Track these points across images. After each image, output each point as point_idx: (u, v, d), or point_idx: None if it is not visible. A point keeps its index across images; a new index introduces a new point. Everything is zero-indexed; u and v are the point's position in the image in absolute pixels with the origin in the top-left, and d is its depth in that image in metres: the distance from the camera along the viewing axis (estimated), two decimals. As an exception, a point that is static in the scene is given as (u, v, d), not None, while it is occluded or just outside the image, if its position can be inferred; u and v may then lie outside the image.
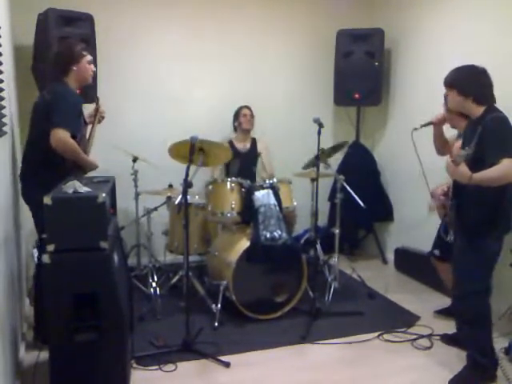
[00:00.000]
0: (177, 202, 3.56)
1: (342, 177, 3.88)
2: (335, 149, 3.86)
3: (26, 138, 2.98)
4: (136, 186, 3.93)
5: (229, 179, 3.67)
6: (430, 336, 3.23)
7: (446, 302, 3.65)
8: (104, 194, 2.26)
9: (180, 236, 3.69)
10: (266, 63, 4.85)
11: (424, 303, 3.75)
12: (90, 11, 3.84)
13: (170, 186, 3.98)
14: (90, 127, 3.27)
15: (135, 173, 3.91)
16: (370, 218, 4.83)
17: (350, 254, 4.99)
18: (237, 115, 4.50)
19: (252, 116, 4.47)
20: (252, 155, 4.53)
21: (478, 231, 2.55)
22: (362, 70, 4.66)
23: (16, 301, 2.81)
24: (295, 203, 3.80)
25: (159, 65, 4.53)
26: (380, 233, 5.03)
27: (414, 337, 3.22)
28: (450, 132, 3.26)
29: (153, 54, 4.50)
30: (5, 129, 2.44)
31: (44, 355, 2.54)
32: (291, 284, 3.52)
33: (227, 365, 2.87)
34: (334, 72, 4.79)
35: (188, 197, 3.02)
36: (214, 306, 3.43)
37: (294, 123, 4.87)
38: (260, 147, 4.56)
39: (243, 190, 3.60)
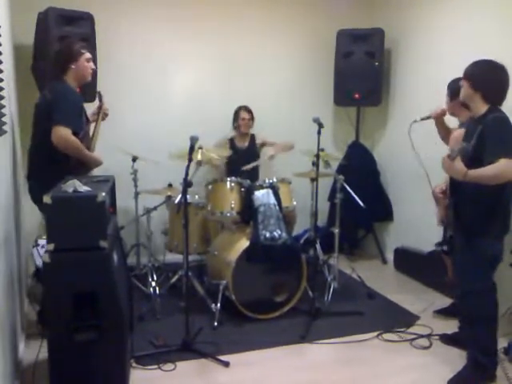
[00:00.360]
0: (176, 202, 3.57)
1: (341, 177, 3.88)
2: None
3: (30, 138, 2.99)
4: (136, 186, 3.94)
5: (228, 179, 3.67)
6: (429, 336, 3.23)
7: (445, 301, 3.66)
8: (104, 194, 2.26)
9: (180, 235, 3.69)
10: (266, 63, 4.85)
11: (423, 303, 3.75)
12: (91, 10, 3.85)
13: (170, 185, 3.98)
14: (93, 125, 3.28)
15: (135, 172, 3.91)
16: (370, 217, 4.83)
17: (350, 254, 4.99)
18: (236, 116, 4.50)
19: (250, 119, 4.46)
20: (252, 151, 4.54)
21: (474, 230, 2.55)
22: (362, 70, 4.66)
23: (15, 300, 2.81)
24: (295, 203, 3.80)
25: (159, 64, 4.53)
26: (379, 233, 5.03)
27: (414, 336, 3.22)
28: (452, 123, 3.27)
29: (153, 54, 4.50)
30: (5, 128, 2.43)
31: (43, 355, 2.54)
32: (291, 284, 3.52)
33: (227, 364, 2.87)
34: (334, 72, 4.79)
35: (188, 196, 3.02)
36: (213, 305, 3.43)
37: (294, 123, 4.88)
38: (258, 141, 4.57)
39: (243, 189, 3.60)
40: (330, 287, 3.85)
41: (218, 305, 3.39)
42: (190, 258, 3.28)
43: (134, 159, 3.91)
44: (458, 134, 2.71)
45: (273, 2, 4.79)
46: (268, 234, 3.39)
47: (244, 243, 3.42)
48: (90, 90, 3.65)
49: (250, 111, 4.48)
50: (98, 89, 3.58)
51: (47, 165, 2.86)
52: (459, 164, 2.38)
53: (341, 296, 3.86)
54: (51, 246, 2.22)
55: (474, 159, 2.43)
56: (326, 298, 3.75)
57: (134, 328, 3.01)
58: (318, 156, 3.52)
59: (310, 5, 4.90)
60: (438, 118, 3.22)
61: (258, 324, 3.38)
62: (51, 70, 3.05)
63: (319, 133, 3.41)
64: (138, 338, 3.03)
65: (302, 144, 3.98)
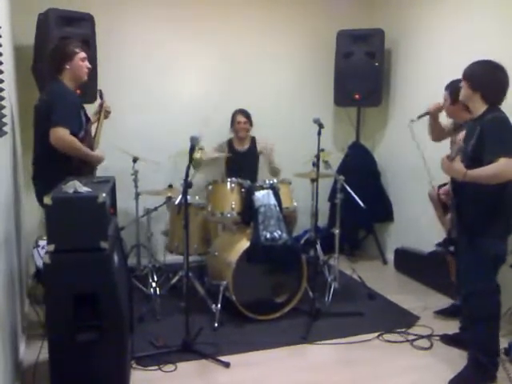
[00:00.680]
0: (177, 203, 3.57)
1: (342, 177, 3.88)
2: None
3: (33, 139, 2.99)
4: (136, 186, 3.94)
5: (229, 179, 3.67)
6: (429, 336, 3.23)
7: (445, 302, 3.65)
8: (104, 194, 2.26)
9: (180, 236, 3.69)
10: (266, 64, 4.85)
11: (424, 303, 3.75)
12: (91, 11, 3.85)
13: (170, 186, 3.98)
14: (95, 124, 3.28)
15: (135, 173, 3.91)
16: (370, 218, 4.83)
17: (350, 255, 4.99)
18: (232, 120, 4.50)
19: (246, 122, 4.44)
20: (251, 154, 4.54)
21: (477, 230, 2.55)
22: (362, 71, 4.66)
23: (16, 301, 2.81)
24: (295, 203, 3.80)
25: (159, 65, 4.53)
26: (380, 233, 5.03)
27: (414, 337, 3.22)
28: (445, 120, 3.28)
29: (153, 54, 4.50)
30: (5, 129, 2.44)
31: (44, 355, 2.54)
32: (291, 284, 3.52)
33: (227, 365, 2.87)
34: (335, 72, 4.79)
35: (188, 197, 3.02)
36: (213, 306, 3.43)
37: (294, 124, 4.88)
38: (260, 147, 4.56)
39: (243, 190, 3.60)
40: (330, 288, 3.84)
41: (219, 305, 3.39)
42: (191, 258, 3.28)
43: (135, 160, 3.91)
44: (462, 136, 2.71)
45: (273, 2, 4.79)
46: (268, 235, 3.39)
47: (244, 244, 3.42)
48: (90, 90, 3.66)
49: (246, 115, 4.45)
50: (99, 88, 3.58)
51: (50, 165, 2.86)
52: (458, 164, 2.38)
53: (341, 297, 3.86)
54: (52, 247, 2.22)
55: (474, 159, 2.43)
56: (326, 299, 3.75)
57: (134, 329, 3.01)
58: (318, 156, 3.52)
59: (310, 5, 4.90)
60: (435, 114, 3.21)
61: (258, 325, 3.38)
62: (48, 70, 3.05)
63: (319, 133, 3.41)
64: (139, 338, 3.03)
65: (303, 144, 3.99)
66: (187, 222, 2.96)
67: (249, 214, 3.53)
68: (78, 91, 3.24)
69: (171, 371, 2.81)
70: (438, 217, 3.56)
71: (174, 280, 3.81)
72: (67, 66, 2.94)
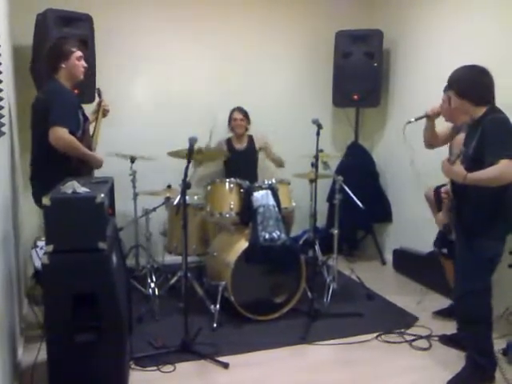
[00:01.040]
0: (175, 203, 3.57)
1: (340, 178, 3.88)
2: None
3: (30, 140, 2.98)
4: (134, 187, 3.93)
5: (227, 180, 3.67)
6: (428, 337, 3.23)
7: (444, 302, 3.65)
8: (102, 195, 2.26)
9: (179, 236, 3.68)
10: (264, 64, 4.85)
11: (422, 304, 3.75)
12: (89, 12, 3.84)
13: (169, 186, 3.98)
14: (93, 123, 3.27)
15: (134, 173, 3.91)
16: (369, 218, 4.83)
17: (349, 255, 4.99)
18: (229, 118, 4.51)
19: (243, 119, 4.46)
20: (250, 153, 4.54)
21: (476, 231, 2.55)
22: (360, 71, 4.66)
23: (14, 301, 2.81)
24: (294, 204, 3.80)
25: (158, 65, 4.53)
26: (379, 234, 5.03)
27: (413, 337, 3.22)
28: (440, 125, 3.26)
29: (152, 55, 4.49)
30: (3, 129, 2.43)
31: (42, 356, 2.53)
32: (290, 285, 3.52)
33: (226, 365, 2.87)
34: (333, 73, 4.79)
35: (187, 197, 3.02)
36: (212, 306, 3.42)
37: (293, 124, 4.88)
38: (258, 144, 4.57)
39: (242, 190, 3.60)
40: (329, 288, 3.84)
41: (217, 306, 3.38)
42: (189, 259, 3.28)
43: (133, 160, 3.91)
44: (461, 138, 2.71)
45: (272, 2, 4.79)
46: (267, 235, 3.39)
47: (243, 244, 3.42)
48: (88, 90, 3.66)
49: (243, 112, 4.47)
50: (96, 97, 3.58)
51: (48, 166, 2.86)
52: (458, 167, 2.38)
53: (340, 297, 3.86)
54: (50, 248, 2.22)
55: (475, 161, 2.42)
56: (325, 299, 3.75)
57: (133, 329, 3.01)
58: (317, 157, 3.52)
59: (309, 5, 4.90)
60: (433, 118, 3.21)
61: (257, 325, 3.38)
62: (45, 69, 3.04)
63: (318, 134, 3.41)
64: (137, 339, 3.03)
65: (301, 145, 3.99)
66: (186, 223, 2.96)
67: (247, 214, 3.53)
68: (76, 91, 3.23)
69: (170, 372, 2.81)
70: (434, 216, 3.57)
71: (173, 280, 3.81)
72: (63, 65, 2.94)
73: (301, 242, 4.38)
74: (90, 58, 3.67)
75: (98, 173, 3.15)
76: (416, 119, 3.26)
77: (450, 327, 3.20)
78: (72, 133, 2.82)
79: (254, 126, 4.57)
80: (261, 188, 3.57)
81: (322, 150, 3.57)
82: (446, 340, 3.15)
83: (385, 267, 4.81)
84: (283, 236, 3.42)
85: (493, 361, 2.65)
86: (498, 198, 2.49)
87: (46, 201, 2.19)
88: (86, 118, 3.07)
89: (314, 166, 3.54)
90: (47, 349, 2.28)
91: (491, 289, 2.64)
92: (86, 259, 2.25)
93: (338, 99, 4.85)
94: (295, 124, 4.85)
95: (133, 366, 2.83)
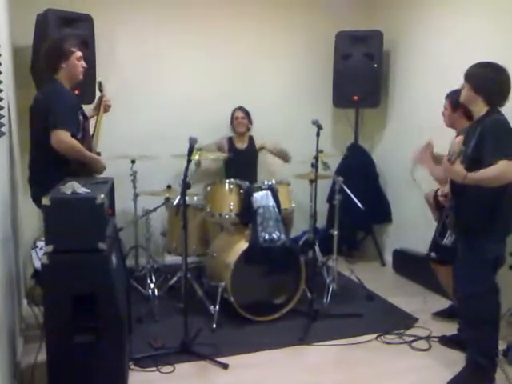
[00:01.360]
0: (175, 203, 3.57)
1: (340, 178, 3.88)
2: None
3: (29, 142, 2.97)
4: (134, 187, 3.94)
5: (227, 180, 3.67)
6: (428, 338, 3.23)
7: (444, 303, 3.65)
8: (102, 195, 2.26)
9: (178, 237, 3.68)
10: (264, 65, 4.85)
11: (422, 305, 3.75)
12: (90, 12, 3.85)
13: (169, 186, 3.98)
14: (93, 120, 3.23)
15: (134, 174, 3.91)
16: (369, 219, 4.83)
17: (349, 256, 4.98)
18: (231, 117, 4.53)
19: (244, 117, 4.48)
20: (250, 153, 4.54)
21: (476, 232, 2.55)
22: (360, 72, 4.66)
23: (14, 301, 2.81)
24: (294, 205, 3.80)
25: (158, 65, 4.53)
26: (378, 235, 5.03)
27: (413, 338, 3.22)
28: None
29: (152, 55, 4.50)
30: (3, 129, 2.43)
31: (42, 357, 2.53)
32: (289, 286, 3.52)
33: (225, 366, 2.87)
34: (333, 74, 4.79)
35: (187, 198, 3.02)
36: (212, 307, 3.42)
37: (293, 125, 4.87)
38: (257, 144, 4.58)
39: (242, 191, 3.60)
40: (328, 289, 3.84)
41: (217, 307, 3.38)
42: (189, 259, 3.28)
43: (133, 161, 3.91)
44: (460, 139, 2.71)
45: (272, 3, 4.79)
46: (267, 236, 3.39)
47: (243, 245, 3.42)
48: (88, 91, 3.65)
49: (245, 111, 4.49)
50: (98, 90, 3.57)
51: (49, 169, 2.81)
52: (459, 167, 2.38)
53: (340, 298, 3.85)
54: (50, 248, 2.22)
55: (474, 160, 2.42)
56: (324, 300, 3.74)
57: (132, 330, 3.02)
58: (316, 158, 3.52)
59: (309, 6, 4.90)
60: (426, 161, 3.04)
61: (256, 326, 3.38)
62: (45, 69, 2.99)
63: (318, 135, 3.41)
64: (137, 339, 3.03)
65: (301, 146, 3.99)
66: (186, 223, 2.96)
67: (247, 215, 3.53)
68: (77, 91, 3.22)
69: (169, 372, 2.81)
70: (435, 219, 3.57)
71: (173, 281, 3.81)
72: (63, 65, 2.90)
73: (301, 242, 4.38)
74: (91, 58, 3.67)
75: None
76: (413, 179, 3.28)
77: (449, 328, 3.20)
78: (73, 135, 2.79)
79: (254, 127, 4.57)
80: (260, 189, 3.57)
81: (321, 151, 3.57)
82: (446, 341, 3.15)
83: (384, 268, 4.81)
84: (283, 237, 3.42)
85: (494, 362, 2.65)
86: (497, 198, 2.49)
87: (45, 201, 2.19)
88: (85, 118, 3.05)
89: (314, 166, 3.54)
90: (47, 349, 2.27)
91: (497, 289, 2.63)
92: (86, 260, 2.25)
93: (338, 100, 4.85)
94: (295, 125, 4.84)
95: (132, 366, 2.83)
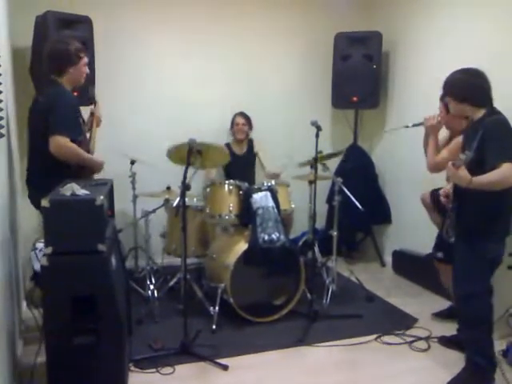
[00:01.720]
0: (175, 205, 3.56)
1: (339, 179, 3.88)
2: (331, 156, 3.90)
3: (28, 144, 2.96)
4: (134, 189, 3.94)
5: (227, 181, 3.67)
6: (428, 338, 3.23)
7: (443, 304, 3.65)
8: (102, 197, 2.26)
9: (178, 238, 3.68)
10: (264, 66, 4.85)
11: (422, 305, 3.75)
12: (89, 14, 3.85)
13: (168, 188, 3.98)
14: (88, 133, 3.24)
15: (133, 175, 3.91)
16: (368, 220, 4.83)
17: (348, 257, 4.99)
18: (232, 122, 4.54)
19: (245, 124, 4.49)
20: (250, 158, 4.55)
21: (477, 233, 2.55)
22: (360, 73, 4.66)
23: (13, 303, 2.81)
24: (293, 206, 3.80)
25: (158, 67, 4.53)
26: (378, 235, 5.03)
27: (412, 339, 3.22)
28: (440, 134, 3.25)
29: (151, 57, 4.50)
30: (2, 131, 2.43)
31: (42, 358, 2.53)
32: (289, 287, 3.52)
33: (225, 367, 2.87)
34: (332, 75, 4.80)
35: (186, 199, 3.02)
36: (211, 308, 3.42)
37: (292, 126, 4.88)
38: (257, 147, 4.58)
39: (241, 192, 3.60)
40: (328, 290, 3.84)
41: (217, 308, 3.38)
42: (189, 261, 3.28)
43: (133, 162, 3.91)
44: (458, 141, 2.72)
45: (271, 4, 4.79)
46: (266, 237, 3.39)
47: (242, 246, 3.42)
48: (87, 93, 3.64)
49: (246, 117, 4.50)
50: (97, 92, 3.56)
51: (49, 171, 2.78)
52: (463, 172, 2.37)
53: (339, 299, 3.85)
54: (49, 250, 2.22)
55: (476, 163, 2.42)
56: (324, 301, 3.75)
57: (132, 331, 3.02)
58: (316, 159, 3.52)
59: (309, 7, 4.90)
60: (433, 130, 3.13)
61: (256, 327, 3.38)
62: (47, 70, 2.95)
63: (317, 136, 3.42)
64: (137, 341, 3.03)
65: (301, 147, 4.00)
66: (185, 225, 2.96)
67: (247, 216, 3.53)
68: (76, 93, 3.21)
69: (169, 374, 2.81)
70: (432, 220, 3.57)
71: (172, 282, 3.80)
72: (71, 70, 2.88)
73: (300, 243, 4.38)
74: (90, 60, 3.66)
75: (98, 174, 3.14)
76: (413, 125, 3.26)
77: (449, 328, 3.20)
78: (74, 139, 2.77)
79: (254, 128, 4.57)
80: (260, 190, 3.57)
81: (321, 152, 3.58)
82: (446, 341, 3.15)
83: (384, 269, 4.81)
84: (282, 238, 3.42)
85: (493, 362, 2.65)
86: (498, 199, 2.49)
87: (45, 203, 2.19)
88: (83, 121, 3.05)
89: (313, 167, 3.55)
90: (46, 351, 2.27)
91: (492, 290, 2.64)
92: (85, 261, 2.25)
93: (337, 101, 4.85)
94: (294, 126, 4.85)
95: (132, 368, 2.83)
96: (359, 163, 4.94)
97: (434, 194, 3.39)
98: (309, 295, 3.61)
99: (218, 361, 2.91)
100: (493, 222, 2.53)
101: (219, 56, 4.70)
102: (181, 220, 2.99)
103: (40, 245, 3.45)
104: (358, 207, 3.77)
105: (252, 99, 4.69)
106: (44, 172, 2.83)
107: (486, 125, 2.45)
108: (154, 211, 3.94)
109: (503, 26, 3.48)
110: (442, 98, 3.16)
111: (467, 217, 2.59)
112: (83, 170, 2.89)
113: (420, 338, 3.23)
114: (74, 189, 2.29)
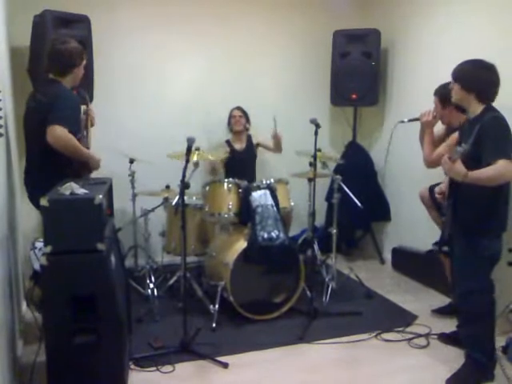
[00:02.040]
0: (174, 203, 3.56)
1: (338, 177, 3.88)
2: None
3: (25, 144, 2.95)
4: (133, 187, 3.94)
5: (226, 180, 3.67)
6: (427, 335, 3.23)
7: (443, 300, 3.66)
8: (101, 196, 2.26)
9: (177, 237, 3.69)
10: (262, 64, 4.85)
11: (421, 302, 3.76)
12: (87, 13, 3.84)
13: (167, 186, 3.98)
14: (84, 131, 3.23)
15: (132, 174, 3.91)
16: (368, 217, 4.83)
17: (348, 254, 5.00)
18: (229, 117, 4.54)
19: (241, 116, 4.49)
20: (250, 153, 4.54)
21: (473, 229, 2.56)
22: (358, 71, 4.66)
23: (13, 303, 2.81)
24: (292, 203, 3.80)
25: (156, 66, 4.52)
26: (377, 233, 5.03)
27: (412, 336, 3.23)
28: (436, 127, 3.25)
29: (150, 55, 4.49)
30: (1, 131, 2.43)
31: (41, 358, 2.54)
32: (289, 284, 3.52)
33: (225, 365, 2.87)
34: (331, 72, 4.80)
35: (185, 198, 3.02)
36: (211, 306, 3.42)
37: (291, 123, 4.87)
38: (255, 140, 4.58)
39: (240, 190, 3.60)
40: (328, 287, 3.85)
41: (216, 306, 3.39)
42: (188, 259, 3.28)
43: (132, 161, 3.91)
44: (454, 137, 2.72)
45: (270, 2, 4.79)
46: (266, 235, 3.39)
47: (242, 244, 3.42)
48: (84, 92, 3.64)
49: (242, 110, 4.50)
50: (95, 91, 3.56)
51: (49, 170, 2.78)
52: (459, 166, 2.38)
53: (339, 296, 3.86)
54: (49, 249, 2.22)
55: (472, 158, 2.43)
56: (324, 299, 3.75)
57: (132, 330, 3.02)
58: (315, 156, 3.52)
59: (307, 5, 4.90)
60: (428, 126, 3.17)
61: (256, 325, 3.38)
62: (46, 69, 2.95)
63: (316, 133, 3.41)
64: (137, 339, 3.03)
65: (300, 144, 3.99)
66: (184, 223, 2.97)
67: (246, 214, 3.53)
68: (74, 91, 3.21)
69: (169, 372, 2.81)
70: (431, 216, 3.57)
71: (172, 281, 3.81)
72: (75, 71, 2.91)
73: (299, 241, 4.38)
74: (88, 59, 3.66)
75: (97, 173, 3.14)
76: (409, 120, 3.26)
77: (448, 325, 3.21)
78: (72, 133, 2.76)
79: (253, 126, 4.57)
80: (259, 188, 3.57)
81: (320, 150, 3.58)
82: (445, 338, 3.16)
83: (383, 266, 4.81)
84: (282, 235, 3.42)
85: (493, 358, 2.66)
86: (494, 195, 2.50)
87: (44, 202, 2.19)
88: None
89: (313, 165, 3.55)
90: (46, 350, 2.28)
91: (493, 286, 2.64)
92: (85, 260, 2.26)
93: (336, 98, 4.85)
94: (293, 123, 4.84)
95: (132, 366, 2.83)
96: (358, 160, 4.94)
97: (432, 190, 3.39)
98: (308, 293, 3.61)
99: (218, 359, 2.91)
100: (488, 219, 2.53)
101: (218, 54, 4.68)
102: (180, 218, 2.99)
103: (39, 244, 3.46)
104: (357, 205, 3.78)
105: (251, 97, 4.68)
106: (43, 171, 2.83)
107: (484, 121, 2.46)
108: (153, 210, 3.94)
109: (501, 24, 3.48)
110: (436, 92, 3.16)
111: (464, 214, 2.60)
112: (82, 169, 2.89)
113: (420, 335, 3.23)
114: (73, 188, 2.29)
